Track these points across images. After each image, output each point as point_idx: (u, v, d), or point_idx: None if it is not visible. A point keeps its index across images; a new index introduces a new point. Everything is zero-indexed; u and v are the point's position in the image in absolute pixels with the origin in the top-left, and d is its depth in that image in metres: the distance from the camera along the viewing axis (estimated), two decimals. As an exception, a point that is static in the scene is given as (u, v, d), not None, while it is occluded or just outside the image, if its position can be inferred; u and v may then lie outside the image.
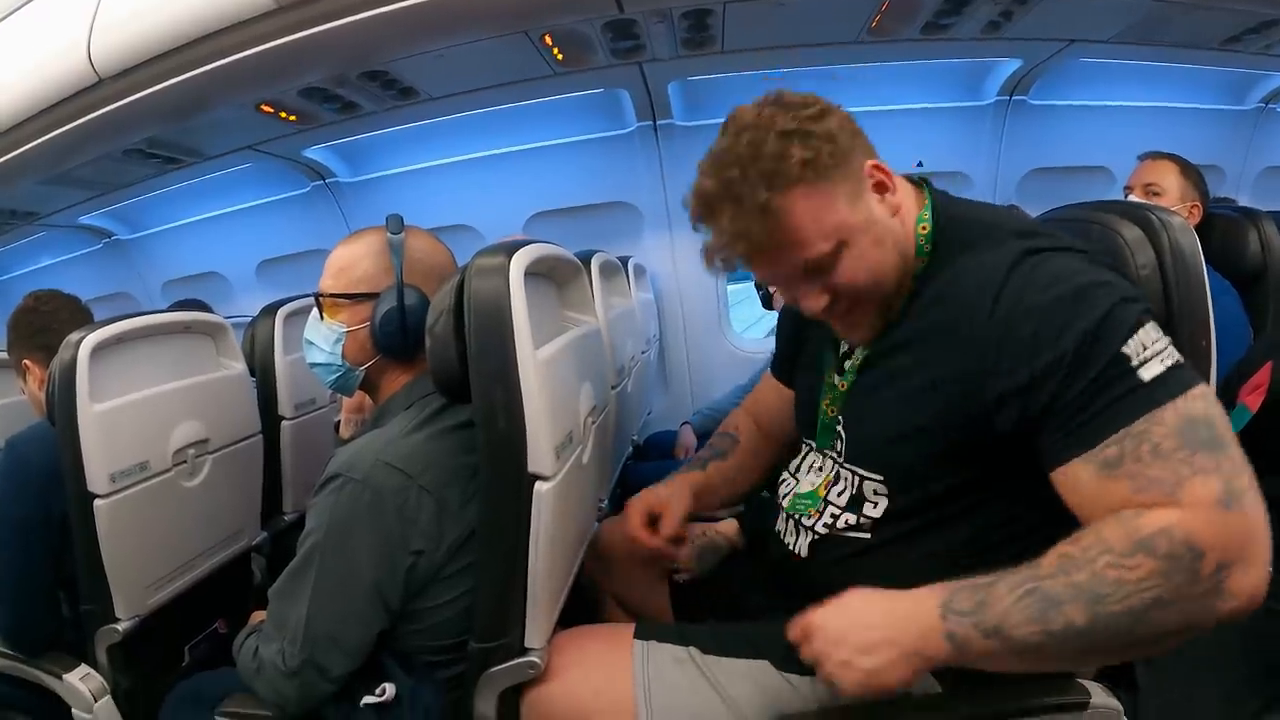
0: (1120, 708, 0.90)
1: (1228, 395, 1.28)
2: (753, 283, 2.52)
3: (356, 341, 1.10)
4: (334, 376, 1.13)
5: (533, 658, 0.95)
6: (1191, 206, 1.85)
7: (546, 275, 1.17)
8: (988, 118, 2.86)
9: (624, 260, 2.19)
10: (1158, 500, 0.72)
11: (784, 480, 1.06)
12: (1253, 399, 1.25)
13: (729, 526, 1.21)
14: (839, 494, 0.95)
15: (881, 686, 0.75)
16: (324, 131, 2.49)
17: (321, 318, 1.11)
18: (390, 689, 0.98)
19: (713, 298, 3.09)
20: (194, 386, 1.40)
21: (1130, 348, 0.74)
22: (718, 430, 1.28)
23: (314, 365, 1.14)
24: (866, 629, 0.76)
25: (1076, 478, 0.76)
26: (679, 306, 3.07)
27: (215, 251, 3.38)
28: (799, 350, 1.12)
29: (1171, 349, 0.75)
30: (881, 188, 0.90)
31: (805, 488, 1.01)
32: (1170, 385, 0.73)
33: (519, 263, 0.91)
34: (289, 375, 1.73)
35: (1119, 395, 0.74)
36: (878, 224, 0.88)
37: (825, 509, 0.95)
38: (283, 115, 2.23)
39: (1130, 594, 0.70)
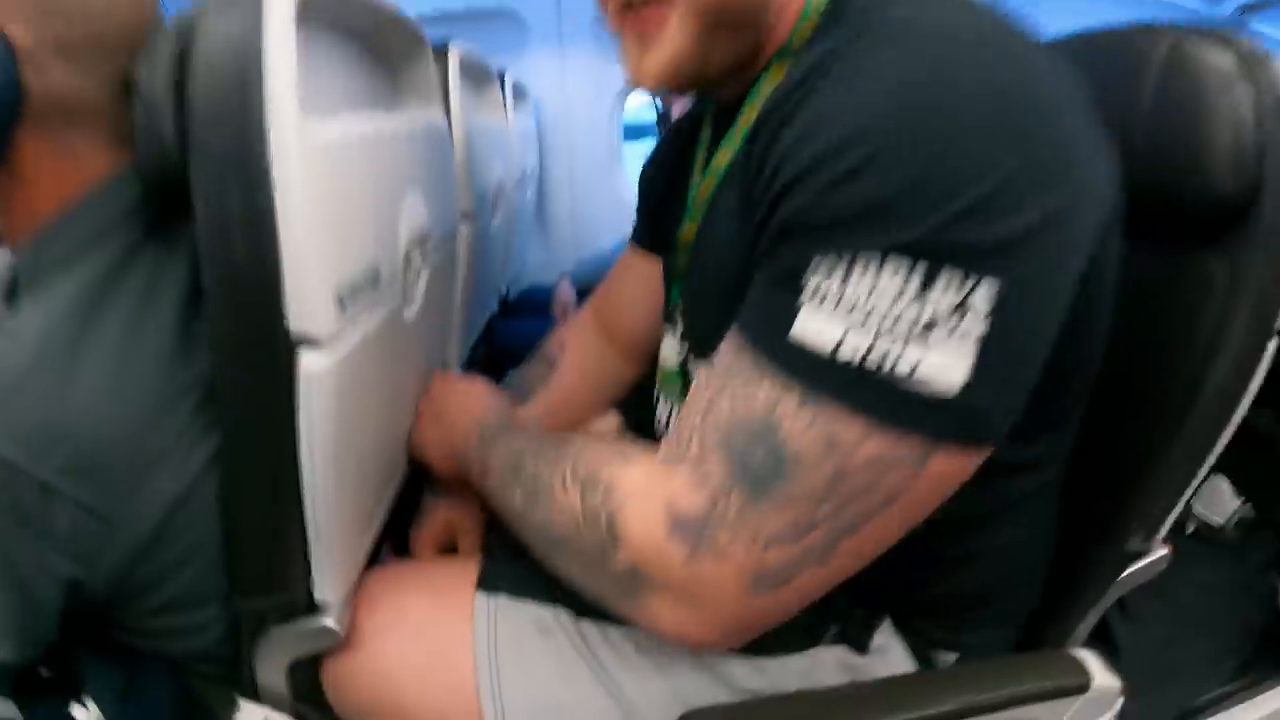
0: (1120, 686, 0.69)
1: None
2: (654, 103, 2.13)
3: None
4: None
5: (327, 621, 0.62)
6: None
7: (366, 42, 0.75)
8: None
9: (501, 74, 1.75)
10: (663, 452, 0.52)
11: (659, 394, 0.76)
12: None
13: (608, 423, 0.89)
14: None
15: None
16: None
17: None
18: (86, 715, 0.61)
19: (604, 131, 2.65)
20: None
21: (835, 271, 0.42)
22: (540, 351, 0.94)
23: None
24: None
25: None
26: (565, 140, 2.62)
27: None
28: (668, 200, 0.77)
29: (906, 341, 0.42)
30: None
31: (668, 359, 0.72)
32: (806, 367, 0.44)
33: (290, -10, 0.50)
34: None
35: (759, 312, 0.48)
36: None
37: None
38: None
39: (552, 511, 0.56)
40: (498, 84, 1.66)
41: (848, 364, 0.43)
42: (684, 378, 0.69)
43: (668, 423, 0.72)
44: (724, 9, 0.54)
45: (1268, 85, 0.63)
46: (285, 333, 0.51)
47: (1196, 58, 0.65)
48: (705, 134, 0.70)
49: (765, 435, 0.45)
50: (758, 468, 0.45)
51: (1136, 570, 0.72)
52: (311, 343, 0.52)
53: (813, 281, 0.43)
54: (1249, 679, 0.95)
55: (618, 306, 0.92)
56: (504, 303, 1.96)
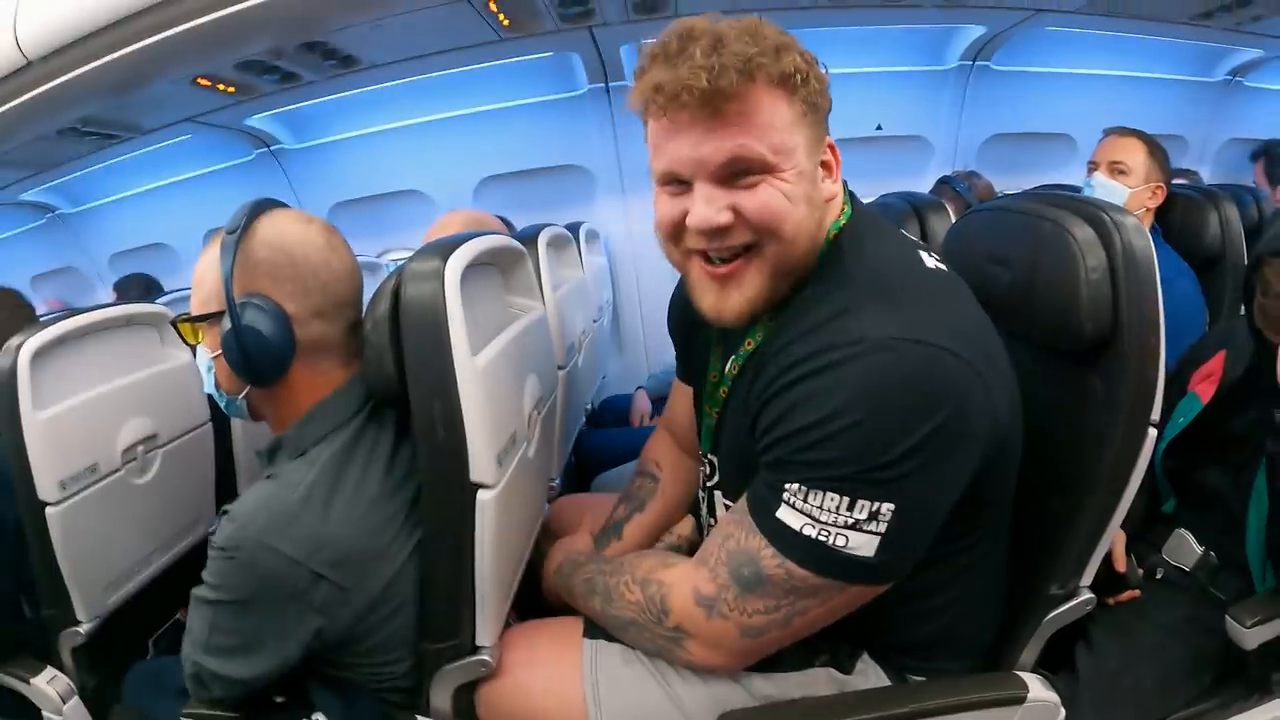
0: (1058, 700, 0.93)
1: (1179, 382, 1.29)
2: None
3: (223, 370, 0.96)
4: (224, 406, 1.01)
5: (484, 656, 0.96)
6: (1155, 187, 1.84)
7: (489, 264, 1.13)
8: (950, 83, 2.85)
9: (575, 228, 2.15)
10: (698, 557, 0.87)
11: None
12: (1204, 388, 1.25)
13: (685, 525, 1.19)
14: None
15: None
16: (265, 101, 2.41)
17: (191, 342, 0.99)
18: None
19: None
20: (139, 381, 1.36)
21: (800, 492, 0.75)
22: (637, 466, 1.26)
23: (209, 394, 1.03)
24: None
25: None
26: (633, 268, 3.05)
27: (162, 223, 3.27)
28: (694, 339, 1.07)
29: (839, 531, 0.74)
30: (828, 168, 0.84)
31: (704, 484, 1.03)
32: (780, 537, 0.77)
33: (455, 265, 0.88)
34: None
35: (758, 494, 0.80)
36: (815, 188, 0.81)
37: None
38: (220, 87, 2.15)
39: (622, 607, 0.91)
40: (574, 242, 2.05)
41: (805, 539, 0.76)
42: (710, 498, 1.02)
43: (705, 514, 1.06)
44: (791, 261, 0.81)
45: (1120, 249, 0.90)
46: (469, 482, 0.88)
47: (1067, 229, 0.93)
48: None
49: (753, 562, 0.80)
50: (747, 578, 0.80)
51: (1063, 611, 0.95)
52: (483, 486, 0.89)
53: (786, 494, 0.76)
54: (1214, 701, 1.12)
55: (682, 425, 1.21)
56: (591, 414, 2.29)
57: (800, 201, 0.79)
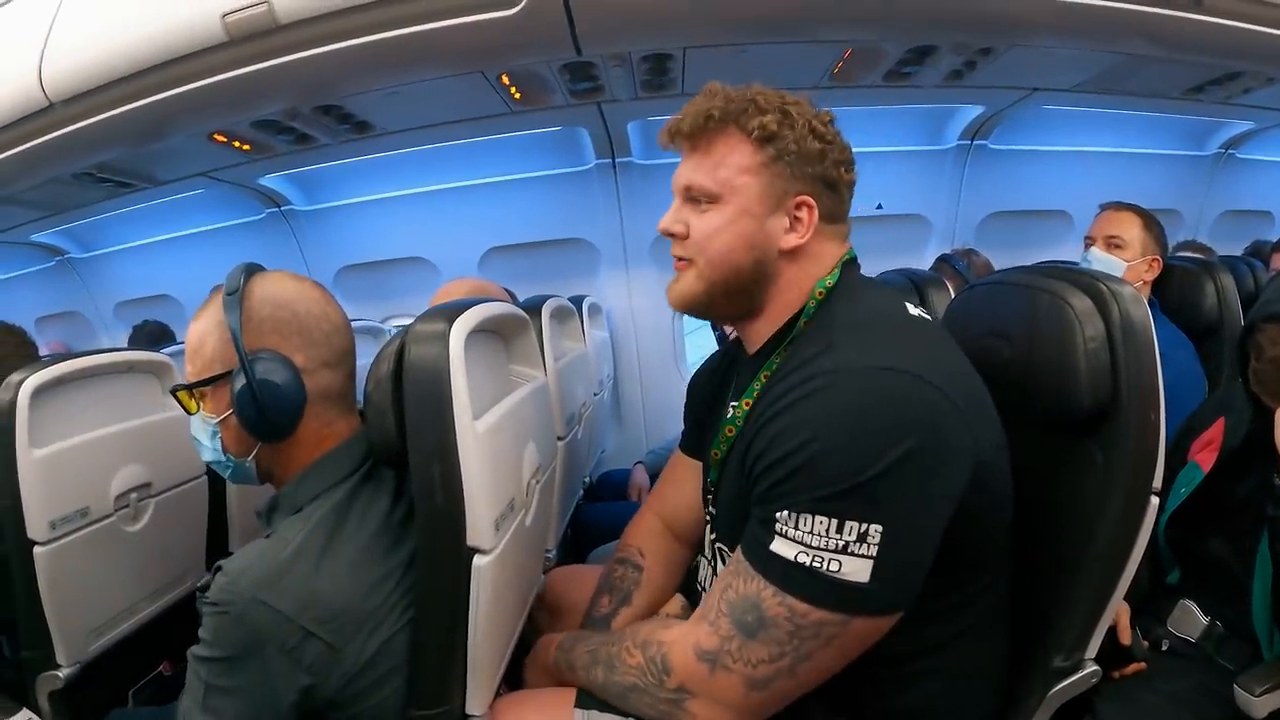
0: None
1: (1179, 452, 1.29)
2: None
3: (231, 432, 0.97)
4: (229, 473, 1.01)
5: (476, 725, 0.93)
6: (1152, 260, 1.87)
7: (493, 330, 1.15)
8: (948, 161, 2.89)
9: (579, 300, 2.18)
10: (698, 614, 0.87)
11: (700, 560, 1.07)
12: (1205, 456, 1.24)
13: (674, 604, 1.16)
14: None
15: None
16: (278, 160, 2.45)
17: (191, 411, 0.99)
18: None
19: (668, 334, 3.08)
20: (136, 429, 1.36)
21: (790, 519, 0.77)
22: (617, 551, 1.22)
23: (210, 464, 1.01)
24: None
25: None
26: (634, 343, 3.07)
27: (169, 274, 3.29)
28: (710, 412, 1.11)
29: (832, 555, 0.76)
30: (794, 223, 0.92)
31: (706, 535, 1.03)
32: (775, 571, 0.79)
33: (460, 329, 0.89)
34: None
35: (751, 534, 0.83)
36: (761, 227, 0.91)
37: None
38: (236, 145, 2.19)
39: (624, 672, 0.91)
40: (577, 314, 2.07)
41: (800, 568, 0.77)
42: (713, 548, 1.02)
43: (703, 575, 1.04)
44: (723, 279, 0.92)
45: (1118, 318, 0.91)
46: (466, 547, 0.88)
47: (1065, 300, 0.94)
48: (735, 375, 1.05)
49: (754, 607, 0.80)
50: (750, 624, 0.80)
51: (1067, 685, 0.93)
52: (480, 551, 0.88)
53: (778, 524, 0.78)
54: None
55: (675, 505, 1.22)
56: (589, 488, 2.26)
57: (732, 233, 0.91)
